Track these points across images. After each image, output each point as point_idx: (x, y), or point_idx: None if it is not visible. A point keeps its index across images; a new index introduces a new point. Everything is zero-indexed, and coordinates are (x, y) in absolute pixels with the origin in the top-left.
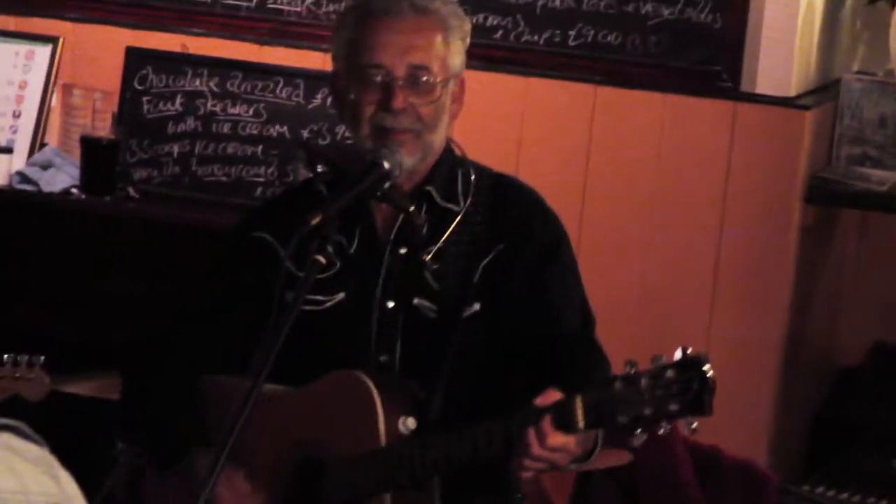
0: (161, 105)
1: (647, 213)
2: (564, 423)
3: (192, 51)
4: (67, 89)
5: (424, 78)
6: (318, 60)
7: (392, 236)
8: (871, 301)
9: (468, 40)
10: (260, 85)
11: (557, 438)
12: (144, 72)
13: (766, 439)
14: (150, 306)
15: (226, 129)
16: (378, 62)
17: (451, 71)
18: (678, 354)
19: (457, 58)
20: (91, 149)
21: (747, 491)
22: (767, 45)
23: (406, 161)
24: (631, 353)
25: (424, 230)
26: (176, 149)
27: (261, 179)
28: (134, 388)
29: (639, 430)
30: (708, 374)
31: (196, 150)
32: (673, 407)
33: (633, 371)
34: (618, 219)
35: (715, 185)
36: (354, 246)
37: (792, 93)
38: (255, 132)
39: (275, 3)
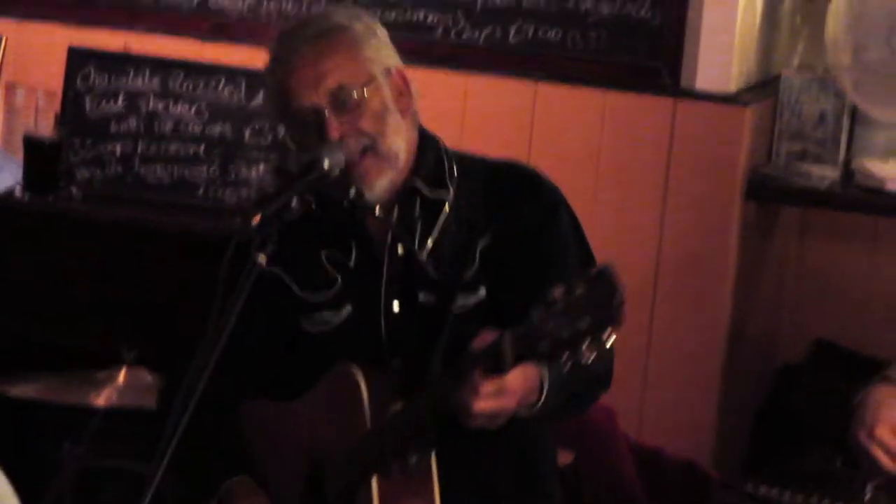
0: (103, 104)
1: (588, 210)
2: (494, 365)
3: (134, 49)
4: (10, 88)
5: (346, 95)
6: (259, 58)
7: (388, 240)
8: (812, 297)
9: (382, 33)
10: (202, 83)
11: (489, 386)
12: (87, 71)
13: (709, 437)
14: (91, 306)
15: (168, 128)
16: (299, 105)
17: (374, 71)
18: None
19: (375, 57)
20: (34, 148)
21: (689, 490)
22: (707, 41)
23: (378, 185)
24: None
25: (419, 225)
26: (118, 148)
27: (203, 178)
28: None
29: (565, 355)
30: (615, 281)
31: (139, 150)
32: (584, 322)
33: (549, 297)
34: None
35: (655, 181)
36: (353, 259)
37: (732, 89)
38: (197, 131)
39: (216, 1)
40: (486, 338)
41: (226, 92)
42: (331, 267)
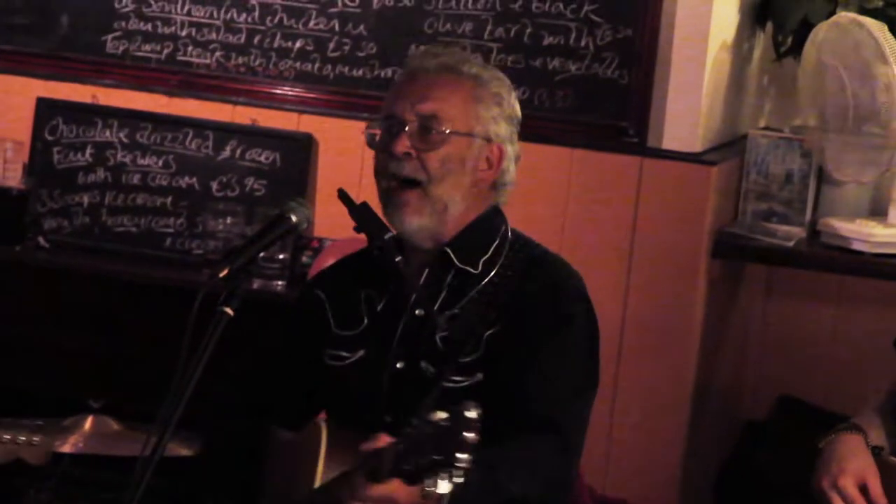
0: (71, 155)
1: None
2: (372, 473)
3: (102, 102)
4: None
5: (433, 127)
6: (227, 112)
7: (413, 298)
8: (777, 354)
9: (511, 111)
10: (169, 136)
11: (367, 491)
12: (55, 122)
13: (674, 491)
14: (57, 355)
15: (135, 179)
16: (392, 112)
17: (475, 129)
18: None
19: (485, 120)
20: (1, 198)
21: None
22: (674, 101)
23: (410, 222)
24: None
25: (444, 294)
26: (86, 199)
27: (170, 230)
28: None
29: (428, 480)
30: (466, 426)
31: (106, 201)
32: (435, 456)
33: (425, 418)
34: None
35: (621, 239)
36: (382, 305)
37: (698, 148)
38: (164, 183)
39: (184, 55)
40: (374, 444)
41: (193, 145)
42: (364, 307)
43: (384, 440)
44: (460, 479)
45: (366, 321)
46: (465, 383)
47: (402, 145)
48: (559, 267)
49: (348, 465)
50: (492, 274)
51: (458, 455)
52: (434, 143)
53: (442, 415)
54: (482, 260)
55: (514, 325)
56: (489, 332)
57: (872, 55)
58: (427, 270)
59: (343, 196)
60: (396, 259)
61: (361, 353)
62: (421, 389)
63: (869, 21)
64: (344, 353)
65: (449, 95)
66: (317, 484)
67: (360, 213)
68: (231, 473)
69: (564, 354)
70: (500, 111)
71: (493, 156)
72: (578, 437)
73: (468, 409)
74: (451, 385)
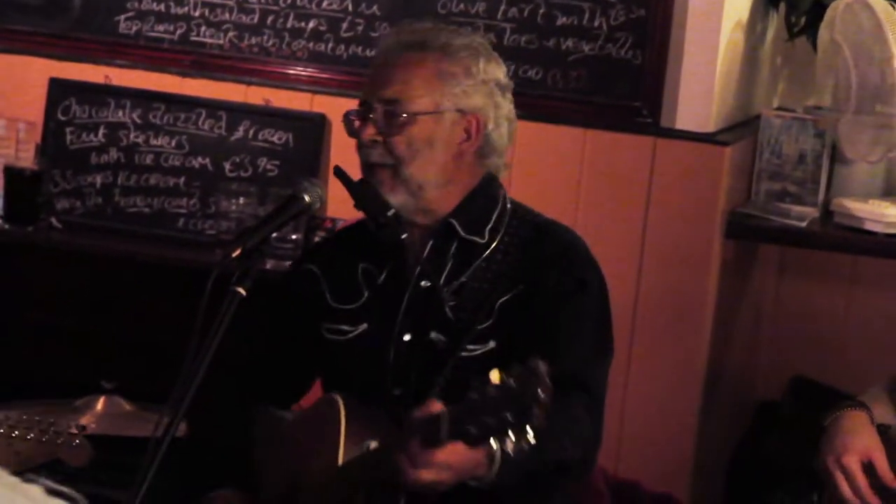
0: (84, 136)
1: None
2: (430, 438)
3: (114, 82)
4: None
5: (397, 111)
6: (240, 92)
7: (418, 269)
8: (790, 335)
9: (486, 77)
10: (182, 117)
11: (425, 456)
12: (68, 103)
13: (687, 473)
14: (69, 336)
15: (148, 160)
16: (363, 98)
17: (444, 106)
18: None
19: (459, 95)
20: (14, 179)
21: None
22: (687, 81)
23: (390, 198)
24: None
25: (451, 265)
26: (99, 180)
27: (183, 211)
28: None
29: (492, 441)
30: (540, 378)
31: (119, 181)
32: (507, 414)
33: (486, 381)
34: None
35: (635, 219)
36: (383, 278)
37: (711, 129)
38: (177, 163)
39: (197, 35)
40: (428, 409)
41: (206, 125)
42: (363, 280)
43: (436, 406)
44: (532, 439)
45: (366, 294)
46: (478, 352)
47: (369, 132)
48: (566, 232)
49: (371, 437)
50: (496, 241)
51: (534, 411)
52: (399, 126)
53: (499, 376)
54: (487, 228)
55: (529, 291)
56: (502, 300)
57: (880, 36)
58: (430, 242)
59: (339, 173)
60: (402, 236)
61: (364, 326)
62: (431, 361)
63: (878, 2)
64: (345, 328)
65: (411, 77)
66: (340, 458)
67: (358, 191)
68: (221, 457)
69: (584, 318)
70: (472, 82)
71: (471, 126)
72: (603, 399)
73: (538, 365)
74: (464, 354)
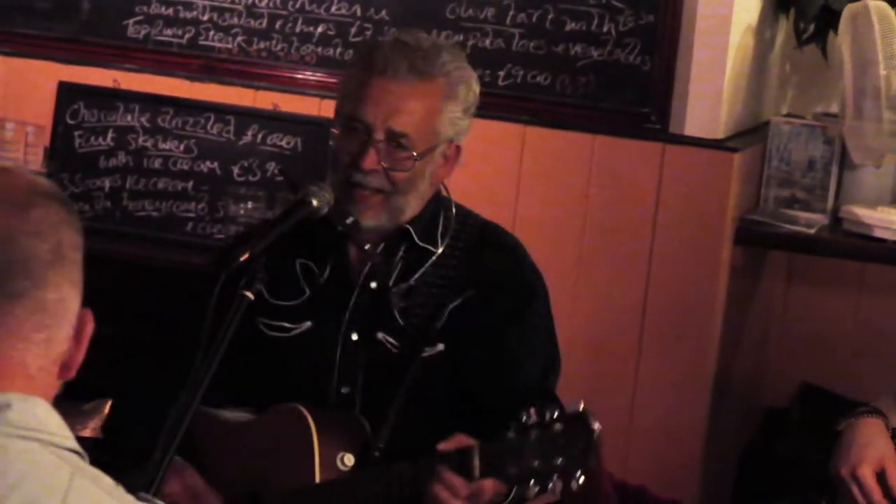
0: (92, 140)
1: (575, 254)
2: (462, 471)
3: (123, 86)
4: (0, 122)
5: (403, 145)
6: (248, 97)
7: (365, 270)
8: (798, 342)
9: (473, 99)
10: (191, 121)
11: (466, 489)
12: (76, 106)
13: (694, 478)
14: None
15: (157, 164)
16: (361, 117)
17: (441, 138)
18: (572, 407)
19: (450, 126)
20: None
21: None
22: (696, 87)
23: (367, 222)
24: (558, 391)
25: (399, 268)
26: (107, 183)
27: (191, 215)
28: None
29: (532, 483)
30: (593, 429)
31: (127, 185)
32: (559, 461)
33: (527, 422)
34: (546, 259)
35: (643, 225)
36: (325, 276)
37: (720, 135)
38: (185, 168)
39: (206, 39)
40: (456, 441)
41: (214, 129)
42: (303, 277)
43: (463, 440)
44: (581, 480)
45: (308, 292)
46: (426, 354)
47: (371, 162)
48: (505, 234)
49: (343, 449)
50: (443, 245)
51: (587, 458)
52: (402, 160)
53: (537, 417)
54: (438, 234)
55: (479, 300)
56: (452, 305)
57: (887, 43)
58: (383, 245)
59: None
60: (366, 247)
61: (309, 324)
62: (378, 360)
63: (882, 8)
64: (287, 325)
65: (418, 109)
66: (316, 475)
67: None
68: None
69: (538, 329)
70: (464, 107)
71: (451, 153)
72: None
73: (586, 413)
74: (424, 358)
